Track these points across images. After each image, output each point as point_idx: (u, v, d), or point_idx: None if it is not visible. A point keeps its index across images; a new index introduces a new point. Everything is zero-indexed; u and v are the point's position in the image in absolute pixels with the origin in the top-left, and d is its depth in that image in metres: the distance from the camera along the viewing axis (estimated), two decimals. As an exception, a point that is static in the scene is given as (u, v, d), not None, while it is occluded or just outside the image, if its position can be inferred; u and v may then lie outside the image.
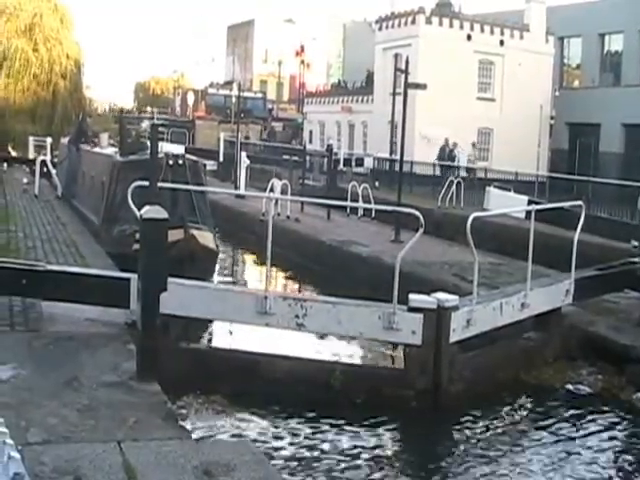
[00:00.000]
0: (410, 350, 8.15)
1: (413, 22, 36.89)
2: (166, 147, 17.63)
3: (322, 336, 9.94)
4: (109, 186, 14.87)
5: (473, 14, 39.18)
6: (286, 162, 31.82)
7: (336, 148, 33.66)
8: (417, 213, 8.43)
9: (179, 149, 19.04)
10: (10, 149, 36.09)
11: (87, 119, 24.64)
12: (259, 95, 61.59)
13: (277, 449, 6.97)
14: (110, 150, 18.43)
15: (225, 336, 10.54)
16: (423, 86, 21.61)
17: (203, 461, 5.10)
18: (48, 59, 40.16)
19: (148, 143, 14.28)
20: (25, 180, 23.75)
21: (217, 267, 15.19)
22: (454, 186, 24.24)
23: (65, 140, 24.80)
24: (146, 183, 9.98)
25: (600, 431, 8.03)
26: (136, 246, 8.94)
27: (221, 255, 16.10)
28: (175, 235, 10.99)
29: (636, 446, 7.83)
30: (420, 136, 34.72)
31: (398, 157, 19.13)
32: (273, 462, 6.21)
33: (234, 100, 42.13)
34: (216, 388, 7.79)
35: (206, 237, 13.07)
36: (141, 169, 12.70)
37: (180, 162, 13.84)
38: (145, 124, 24.49)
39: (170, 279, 7.47)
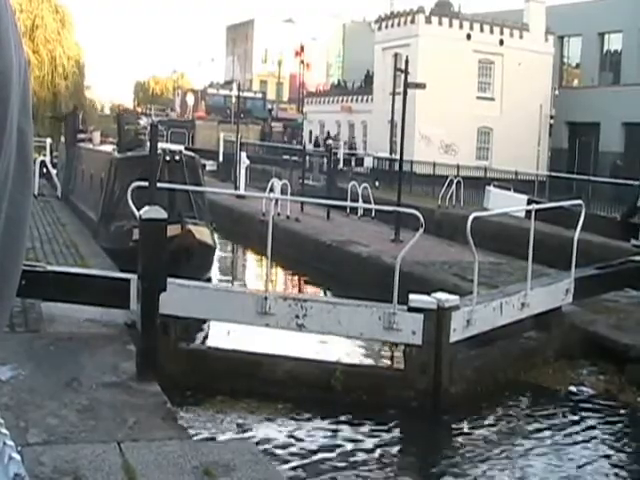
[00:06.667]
0: (410, 350, 8.15)
1: (413, 22, 36.89)
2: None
3: (322, 336, 9.93)
4: (107, 182, 14.86)
5: (473, 13, 39.21)
6: (286, 162, 31.82)
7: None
8: (417, 213, 8.43)
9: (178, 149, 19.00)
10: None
11: (79, 115, 24.33)
12: (259, 95, 61.57)
13: (277, 449, 6.95)
14: (108, 147, 18.43)
15: (225, 336, 10.52)
16: (423, 86, 21.63)
17: (203, 461, 5.09)
18: (49, 60, 40.20)
19: (147, 140, 14.25)
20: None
21: (215, 264, 15.18)
22: (454, 185, 24.25)
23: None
24: (146, 183, 9.99)
25: (601, 431, 8.02)
26: (134, 238, 8.89)
27: (221, 255, 16.07)
28: (172, 230, 10.98)
29: (637, 446, 7.82)
30: (420, 135, 34.74)
31: (398, 157, 19.12)
32: (273, 462, 6.20)
33: (234, 100, 42.12)
34: (216, 388, 7.79)
35: (203, 232, 13.06)
36: (139, 165, 12.69)
37: (177, 158, 13.81)
38: (143, 121, 24.33)
39: (170, 279, 7.46)
